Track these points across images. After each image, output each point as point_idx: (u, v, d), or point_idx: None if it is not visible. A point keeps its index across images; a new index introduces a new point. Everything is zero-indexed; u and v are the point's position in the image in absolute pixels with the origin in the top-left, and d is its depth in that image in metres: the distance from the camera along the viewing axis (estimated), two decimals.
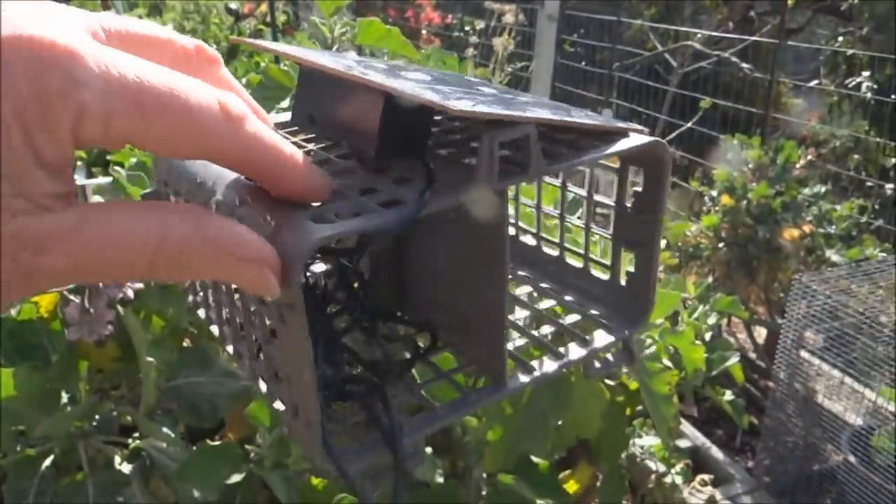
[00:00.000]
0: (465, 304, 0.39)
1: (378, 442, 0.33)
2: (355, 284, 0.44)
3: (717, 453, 1.91)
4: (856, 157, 3.52)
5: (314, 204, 0.28)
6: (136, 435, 1.03)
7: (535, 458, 0.95)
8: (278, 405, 0.33)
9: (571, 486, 1.27)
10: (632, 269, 0.42)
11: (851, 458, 1.57)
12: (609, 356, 0.41)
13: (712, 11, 4.58)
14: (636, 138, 0.35)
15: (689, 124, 3.01)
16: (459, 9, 4.79)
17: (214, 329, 0.40)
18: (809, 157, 1.97)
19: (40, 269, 0.22)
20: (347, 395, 0.36)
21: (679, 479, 1.28)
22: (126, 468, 0.97)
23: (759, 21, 4.31)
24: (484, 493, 0.97)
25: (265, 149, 0.26)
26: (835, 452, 1.75)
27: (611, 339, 0.40)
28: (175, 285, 0.89)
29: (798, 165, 1.92)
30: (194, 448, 0.96)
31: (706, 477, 1.33)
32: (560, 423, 0.90)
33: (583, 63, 4.19)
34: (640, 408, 1.15)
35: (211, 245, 0.24)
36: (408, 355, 0.40)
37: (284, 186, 0.27)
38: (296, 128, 0.37)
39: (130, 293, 0.85)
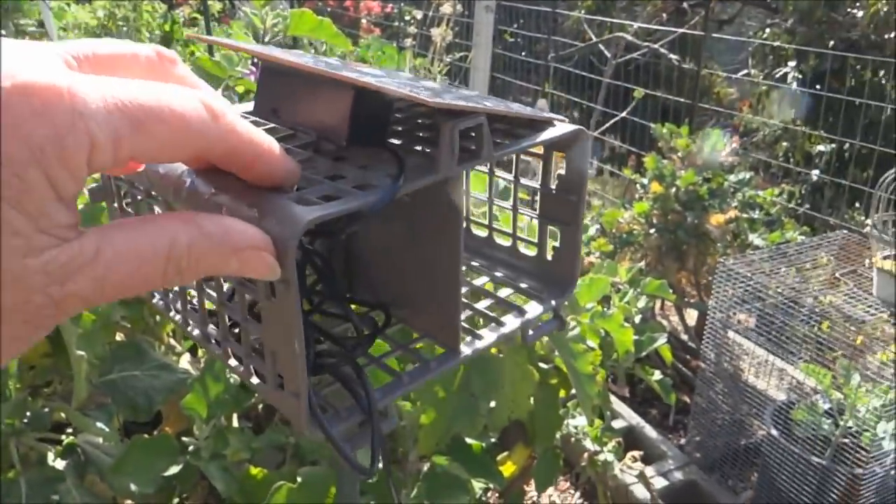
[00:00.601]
0: (420, 282, 0.42)
1: (354, 408, 0.36)
2: (318, 265, 0.46)
3: (650, 432, 1.98)
4: (784, 144, 3.66)
5: (291, 189, 0.30)
6: (70, 431, 1.02)
7: (468, 440, 0.98)
8: (255, 380, 0.36)
9: (508, 468, 1.31)
10: (557, 244, 0.46)
11: (774, 432, 1.65)
12: (541, 324, 0.46)
13: (646, 3, 4.68)
14: (562, 127, 0.40)
15: (623, 114, 3.08)
16: None
17: (173, 314, 0.41)
18: (734, 145, 2.05)
19: (70, 298, 0.23)
20: (321, 367, 0.38)
21: (611, 457, 1.33)
22: (60, 464, 0.96)
23: (692, 12, 4.42)
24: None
25: (245, 141, 0.27)
26: (760, 427, 1.83)
27: (541, 308, 0.44)
28: None
29: (723, 153, 2.00)
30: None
31: (636, 454, 1.39)
32: (492, 405, 0.93)
33: (522, 53, 4.23)
34: (573, 391, 1.19)
35: (214, 242, 0.25)
36: (366, 331, 0.43)
37: (260, 174, 0.29)
38: (257, 119, 0.39)
39: None
